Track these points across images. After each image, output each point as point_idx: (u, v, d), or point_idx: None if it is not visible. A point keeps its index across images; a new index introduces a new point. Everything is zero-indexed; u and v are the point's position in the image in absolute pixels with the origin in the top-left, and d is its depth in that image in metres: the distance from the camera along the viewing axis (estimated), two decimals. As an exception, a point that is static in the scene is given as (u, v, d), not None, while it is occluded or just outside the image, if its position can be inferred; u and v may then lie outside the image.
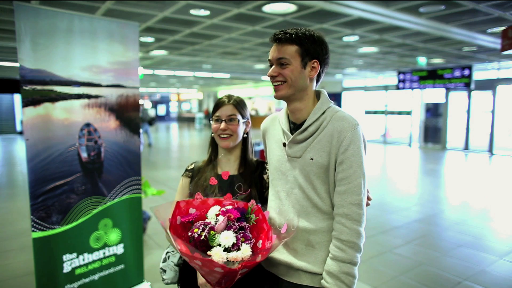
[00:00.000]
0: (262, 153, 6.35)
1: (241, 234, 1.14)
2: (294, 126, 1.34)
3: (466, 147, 12.07)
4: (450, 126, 12.63)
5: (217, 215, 1.21)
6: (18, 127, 17.69)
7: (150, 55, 8.96)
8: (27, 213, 4.48)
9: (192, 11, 4.83)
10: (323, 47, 1.28)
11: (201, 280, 1.34)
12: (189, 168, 1.61)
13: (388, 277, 3.27)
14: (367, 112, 15.29)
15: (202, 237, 1.11)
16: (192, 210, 1.25)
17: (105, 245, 2.62)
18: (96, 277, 2.59)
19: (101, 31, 2.48)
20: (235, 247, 1.11)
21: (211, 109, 1.75)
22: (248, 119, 1.57)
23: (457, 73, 11.22)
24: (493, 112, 11.25)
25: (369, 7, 4.72)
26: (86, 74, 2.42)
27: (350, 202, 1.19)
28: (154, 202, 5.17)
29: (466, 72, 11.00)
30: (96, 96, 2.49)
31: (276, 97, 1.31)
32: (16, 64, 2.17)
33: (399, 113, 14.12)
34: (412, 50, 8.24)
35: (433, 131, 13.26)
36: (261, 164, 1.57)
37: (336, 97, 16.20)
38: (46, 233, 2.29)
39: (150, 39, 6.85)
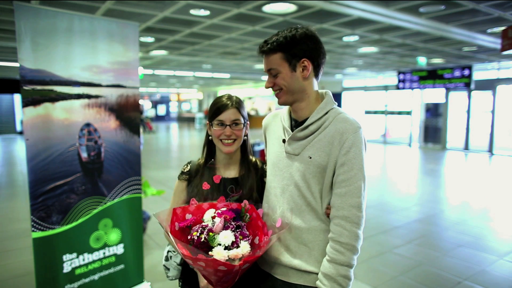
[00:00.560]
0: (262, 153, 6.36)
1: (239, 232, 1.20)
2: (296, 124, 1.34)
3: (466, 147, 12.07)
4: (450, 126, 12.63)
5: (213, 217, 1.25)
6: (18, 127, 17.67)
7: (150, 55, 8.96)
8: (27, 213, 4.48)
9: (192, 11, 4.83)
10: (309, 43, 1.23)
11: (202, 283, 1.35)
12: (185, 170, 1.54)
13: (388, 277, 3.27)
14: (367, 112, 15.29)
15: (202, 239, 1.15)
16: (188, 216, 1.29)
17: (105, 245, 2.62)
18: (96, 277, 2.59)
19: (101, 31, 2.48)
20: (235, 245, 1.16)
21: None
22: (247, 120, 1.53)
23: (457, 73, 11.22)
24: (493, 112, 11.25)
25: (369, 7, 4.72)
26: (86, 74, 2.42)
27: (350, 204, 1.19)
28: (154, 202, 5.20)
29: (466, 72, 11.00)
30: (96, 96, 2.49)
31: (279, 104, 1.33)
32: (16, 64, 2.17)
33: (399, 113, 14.12)
34: (412, 50, 8.24)
35: (433, 131, 13.25)
36: (263, 166, 1.56)
37: (336, 97, 15.96)
38: (46, 233, 2.29)
39: (150, 39, 6.85)
